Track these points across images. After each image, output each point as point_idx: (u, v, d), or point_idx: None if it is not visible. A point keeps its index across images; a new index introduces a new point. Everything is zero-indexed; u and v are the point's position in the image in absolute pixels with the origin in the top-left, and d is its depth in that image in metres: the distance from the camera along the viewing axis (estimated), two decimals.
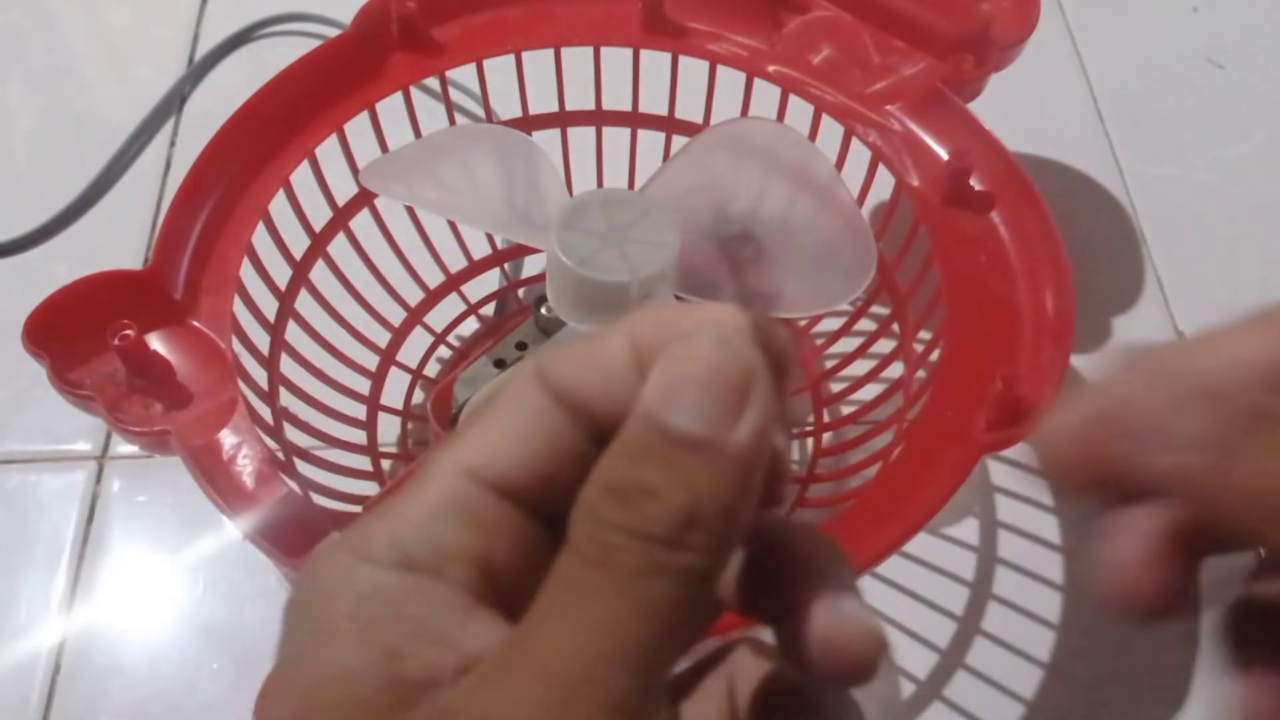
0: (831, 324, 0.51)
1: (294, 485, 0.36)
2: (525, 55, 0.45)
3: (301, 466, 0.40)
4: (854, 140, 0.43)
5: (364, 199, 0.45)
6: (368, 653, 0.15)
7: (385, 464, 0.47)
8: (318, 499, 0.39)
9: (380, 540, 0.16)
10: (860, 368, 0.47)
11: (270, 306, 0.42)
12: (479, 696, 0.15)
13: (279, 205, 0.41)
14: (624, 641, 0.14)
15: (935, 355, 0.39)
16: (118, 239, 0.56)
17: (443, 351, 0.51)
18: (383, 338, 0.48)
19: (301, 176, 0.42)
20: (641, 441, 0.15)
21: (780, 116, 0.45)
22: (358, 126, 0.43)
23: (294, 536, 0.33)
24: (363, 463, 0.45)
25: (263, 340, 0.41)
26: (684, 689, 0.19)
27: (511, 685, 0.14)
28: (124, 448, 0.50)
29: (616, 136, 0.50)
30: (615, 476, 0.15)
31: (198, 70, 0.62)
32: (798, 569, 0.17)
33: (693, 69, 0.46)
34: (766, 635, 0.19)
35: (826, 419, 0.49)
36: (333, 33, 0.60)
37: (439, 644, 0.15)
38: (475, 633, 0.15)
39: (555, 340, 0.40)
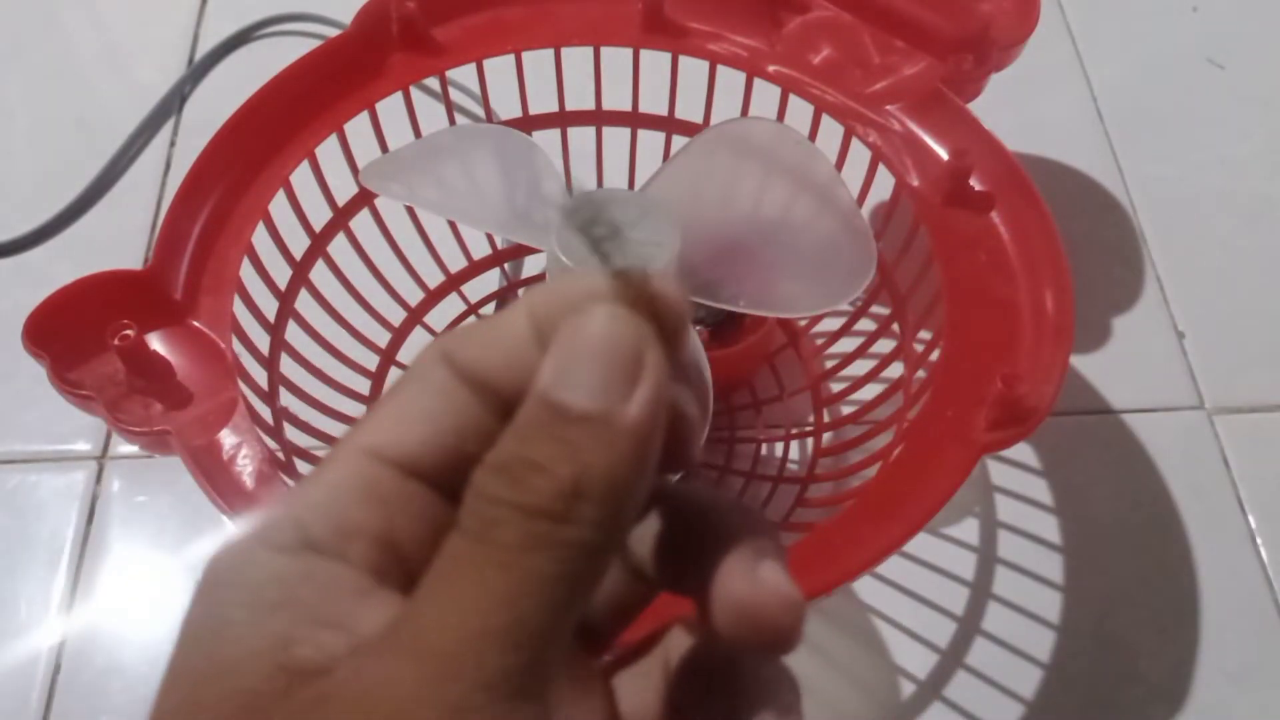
0: (831, 324, 0.51)
1: (294, 485, 0.36)
2: (525, 55, 0.45)
3: (301, 467, 0.40)
4: (854, 140, 0.43)
5: (364, 199, 0.45)
6: (258, 642, 0.15)
7: None
8: None
9: (282, 524, 0.16)
10: (860, 368, 0.47)
11: (270, 306, 0.42)
12: (359, 677, 0.14)
13: (279, 205, 0.41)
14: (504, 618, 0.14)
15: (935, 355, 0.39)
16: (118, 239, 0.56)
17: None
18: (383, 338, 0.48)
19: (301, 176, 0.42)
20: (533, 420, 0.15)
21: (780, 116, 0.45)
22: (358, 126, 0.43)
23: None
24: None
25: (263, 340, 0.41)
26: (620, 668, 0.19)
27: (389, 664, 0.14)
28: (124, 448, 0.50)
29: (616, 136, 0.50)
30: (504, 454, 0.15)
31: (198, 70, 0.62)
32: (715, 539, 0.17)
33: (693, 69, 0.46)
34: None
35: (826, 419, 0.49)
36: (333, 33, 0.61)
37: (334, 627, 0.15)
38: (372, 615, 0.15)
39: None
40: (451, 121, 0.47)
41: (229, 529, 0.33)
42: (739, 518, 0.18)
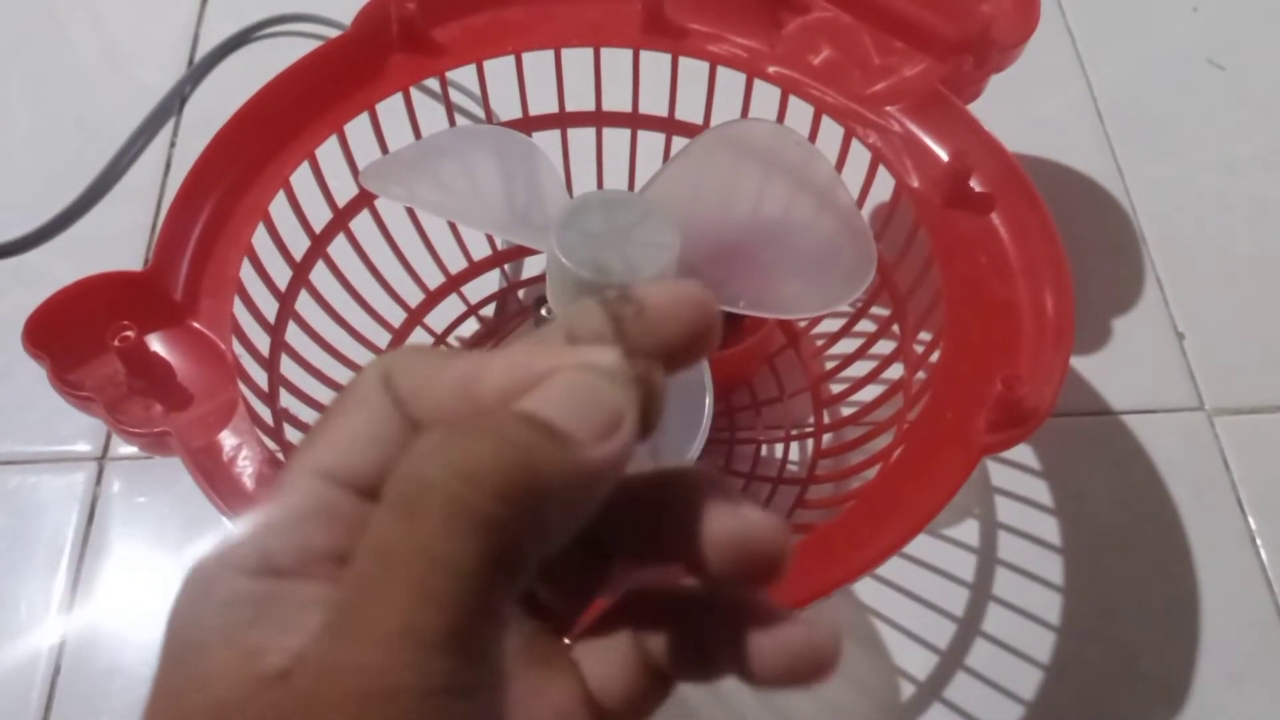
0: (831, 325, 0.51)
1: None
2: (525, 56, 0.45)
3: None
4: (854, 141, 0.43)
5: (364, 200, 0.45)
6: (231, 657, 0.15)
7: None
8: None
9: (246, 550, 0.16)
10: (860, 369, 0.47)
11: (270, 308, 0.42)
12: (300, 688, 0.15)
13: (279, 206, 0.41)
14: (440, 618, 0.14)
15: (935, 356, 0.39)
16: (118, 240, 0.56)
17: None
18: (383, 339, 0.48)
19: (301, 177, 0.42)
20: (490, 419, 0.16)
21: (780, 117, 0.45)
22: (358, 127, 0.43)
23: None
24: None
25: (263, 341, 0.41)
26: (585, 645, 0.19)
27: (328, 675, 0.14)
28: (124, 449, 0.50)
29: (616, 137, 0.50)
30: (446, 426, 0.15)
31: (198, 71, 0.62)
32: (687, 499, 0.18)
33: (693, 70, 0.46)
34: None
35: (826, 420, 0.49)
36: (333, 33, 0.61)
37: (300, 634, 0.15)
38: None
39: None
40: (451, 122, 0.47)
41: (221, 534, 0.33)
42: (700, 477, 0.18)
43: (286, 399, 0.42)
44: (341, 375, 0.46)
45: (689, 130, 0.48)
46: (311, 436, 0.17)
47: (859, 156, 0.44)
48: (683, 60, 0.46)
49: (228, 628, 0.15)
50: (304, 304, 0.44)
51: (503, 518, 0.15)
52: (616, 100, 0.48)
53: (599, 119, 0.49)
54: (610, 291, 0.18)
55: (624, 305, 0.17)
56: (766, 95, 0.45)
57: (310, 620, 0.15)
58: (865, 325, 0.49)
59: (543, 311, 0.42)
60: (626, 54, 0.46)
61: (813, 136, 0.44)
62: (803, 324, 0.51)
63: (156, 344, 0.37)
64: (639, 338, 0.17)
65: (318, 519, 0.16)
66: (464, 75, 0.46)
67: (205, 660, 0.15)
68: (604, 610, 0.19)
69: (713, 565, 0.17)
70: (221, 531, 0.46)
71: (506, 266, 0.53)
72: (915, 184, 0.42)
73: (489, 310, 0.52)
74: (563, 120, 0.48)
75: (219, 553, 0.16)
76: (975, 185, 0.41)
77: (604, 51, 0.46)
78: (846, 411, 0.49)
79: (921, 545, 0.48)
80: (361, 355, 0.47)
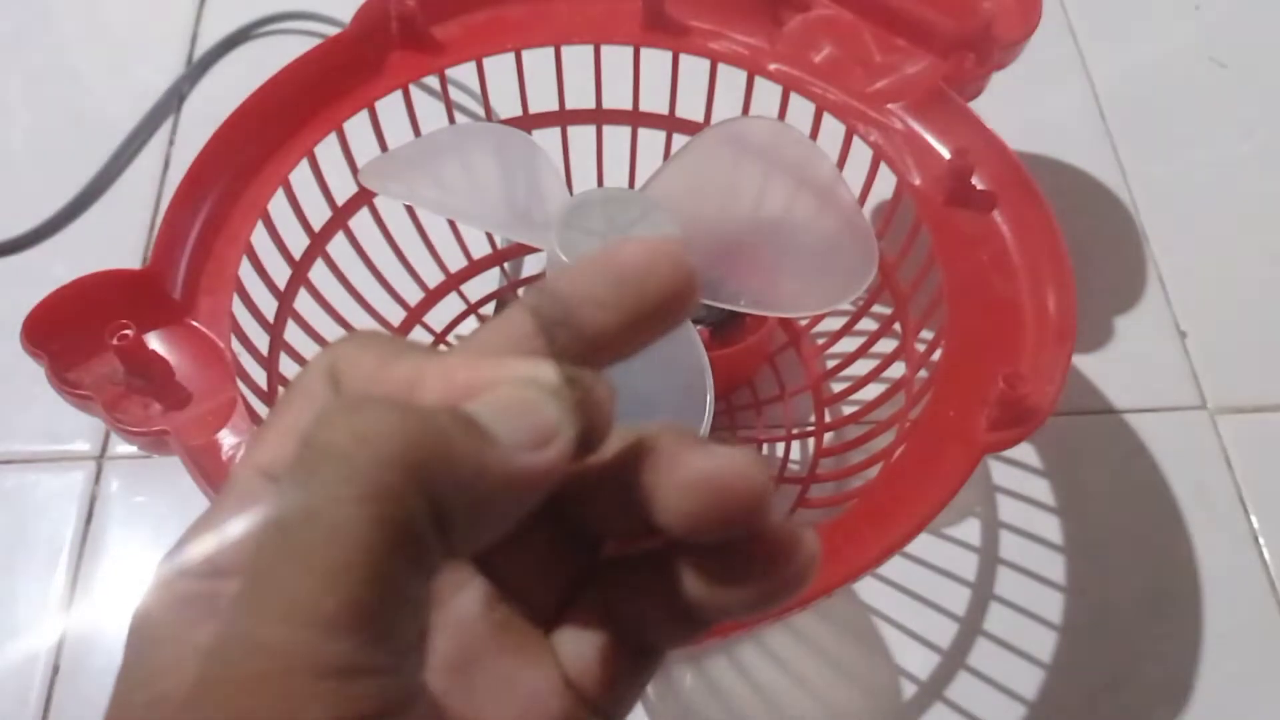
0: (833, 324, 0.51)
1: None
2: (525, 54, 0.45)
3: None
4: (855, 139, 0.43)
5: (363, 198, 0.45)
6: (174, 654, 0.15)
7: None
8: None
9: (193, 552, 0.16)
10: (862, 367, 0.47)
11: (269, 306, 0.42)
12: (204, 675, 0.14)
13: (278, 204, 0.41)
14: (335, 595, 0.14)
15: (937, 355, 0.39)
16: (116, 238, 0.56)
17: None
18: None
19: (300, 176, 0.42)
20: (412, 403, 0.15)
21: (781, 115, 0.45)
22: (357, 125, 0.43)
23: None
24: None
25: (262, 340, 0.41)
26: (561, 628, 0.19)
27: (227, 659, 0.14)
28: (123, 448, 0.49)
29: (617, 135, 0.49)
30: (342, 403, 0.15)
31: (196, 69, 0.62)
32: (658, 457, 0.17)
33: (693, 67, 0.46)
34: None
35: (828, 419, 0.49)
36: (332, 31, 0.60)
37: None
38: None
39: None
40: (451, 120, 0.47)
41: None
42: (663, 430, 0.17)
43: None
44: None
45: (690, 128, 0.48)
46: (258, 432, 0.17)
47: (860, 154, 0.43)
48: (683, 58, 0.46)
49: (176, 626, 0.16)
50: (303, 302, 0.44)
51: (395, 488, 0.14)
52: (617, 98, 0.48)
53: (599, 116, 0.48)
54: (531, 295, 0.17)
55: (551, 309, 0.17)
56: (767, 93, 0.45)
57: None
58: (867, 324, 0.49)
59: None
60: (627, 51, 0.46)
61: (814, 134, 0.44)
62: (804, 322, 0.51)
63: (155, 342, 0.37)
64: (572, 342, 0.17)
65: (252, 520, 0.16)
66: (464, 73, 0.45)
67: (154, 659, 0.16)
68: (576, 592, 0.19)
69: (689, 514, 0.16)
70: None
71: (506, 265, 0.53)
72: (917, 182, 0.42)
73: (489, 309, 0.52)
74: (563, 118, 0.48)
75: (172, 556, 0.17)
76: (977, 183, 0.41)
77: (604, 49, 0.45)
78: (848, 410, 0.49)
79: (923, 544, 0.48)
80: None
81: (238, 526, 0.16)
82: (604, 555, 0.19)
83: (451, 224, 0.50)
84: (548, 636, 0.19)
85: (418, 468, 0.14)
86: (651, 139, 0.49)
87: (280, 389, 0.41)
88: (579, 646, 0.18)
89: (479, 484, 0.15)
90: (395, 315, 0.49)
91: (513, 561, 0.19)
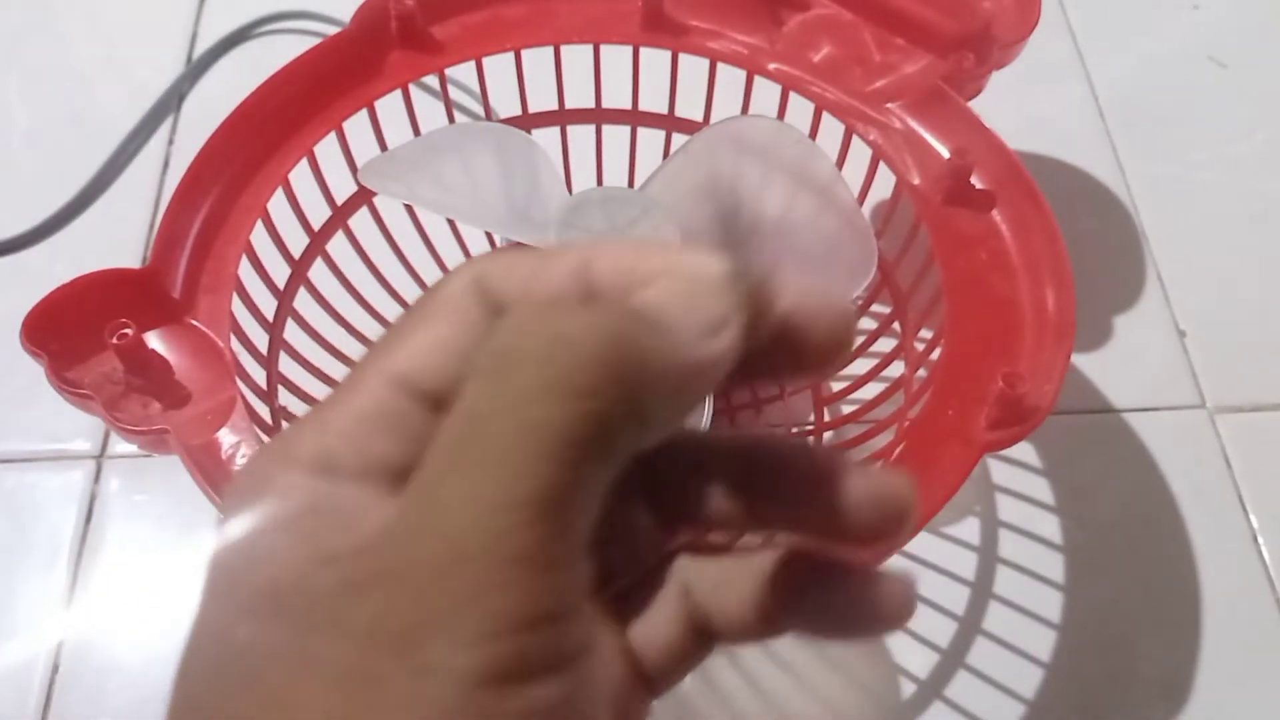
0: None
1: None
2: (525, 53, 0.45)
3: None
4: (854, 138, 0.43)
5: (363, 197, 0.45)
6: (286, 541, 0.15)
7: None
8: None
9: (306, 447, 0.16)
10: (861, 366, 0.47)
11: (269, 305, 0.42)
12: (380, 554, 0.14)
13: (277, 204, 0.41)
14: (523, 486, 0.14)
15: (936, 354, 0.39)
16: (116, 238, 0.56)
17: None
18: None
19: (300, 175, 0.42)
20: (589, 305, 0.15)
21: (781, 114, 0.45)
22: (356, 125, 0.43)
23: None
24: None
25: (261, 339, 0.41)
26: (626, 609, 0.18)
27: (408, 541, 0.14)
28: (122, 447, 0.49)
29: (616, 135, 0.49)
30: (549, 295, 0.15)
31: (196, 68, 0.62)
32: (807, 465, 0.17)
33: (693, 67, 0.46)
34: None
35: (827, 418, 0.49)
36: (331, 30, 0.60)
37: (354, 536, 0.15)
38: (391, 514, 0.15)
39: None
40: (451, 120, 0.47)
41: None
42: (810, 445, 0.18)
43: (285, 397, 0.42)
44: (340, 373, 0.45)
45: (689, 127, 0.48)
46: (387, 338, 0.16)
47: (859, 153, 0.43)
48: (683, 57, 0.46)
49: (284, 515, 0.15)
50: (302, 302, 0.44)
51: (599, 389, 0.14)
52: (616, 97, 0.48)
53: (599, 116, 0.48)
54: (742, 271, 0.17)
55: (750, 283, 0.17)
56: (767, 92, 0.45)
57: (364, 523, 0.15)
58: (866, 323, 0.49)
59: None
60: (626, 51, 0.46)
61: (813, 133, 0.44)
62: None
63: (155, 342, 0.37)
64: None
65: (383, 426, 0.16)
66: (463, 72, 0.45)
67: (261, 542, 0.15)
68: (653, 565, 0.19)
69: (848, 525, 0.17)
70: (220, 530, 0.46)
71: None
72: (916, 181, 0.42)
73: None
74: (562, 117, 0.48)
75: (278, 444, 0.16)
76: (976, 182, 0.41)
77: (604, 48, 0.45)
78: (847, 409, 0.49)
79: (922, 543, 0.48)
80: (361, 353, 0.47)
81: (367, 437, 0.16)
82: (682, 538, 0.19)
83: (451, 224, 0.50)
84: (614, 603, 0.18)
85: (616, 366, 0.14)
86: (651, 138, 0.49)
87: (279, 387, 0.41)
88: (646, 617, 0.18)
89: (667, 381, 0.15)
90: (395, 314, 0.49)
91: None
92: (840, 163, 0.43)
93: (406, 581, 0.14)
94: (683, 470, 0.18)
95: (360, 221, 0.46)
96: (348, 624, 0.14)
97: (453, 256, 0.50)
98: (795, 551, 0.18)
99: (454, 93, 0.47)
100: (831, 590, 0.17)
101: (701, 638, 0.18)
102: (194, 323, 0.38)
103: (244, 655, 0.14)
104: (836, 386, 0.50)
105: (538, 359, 0.14)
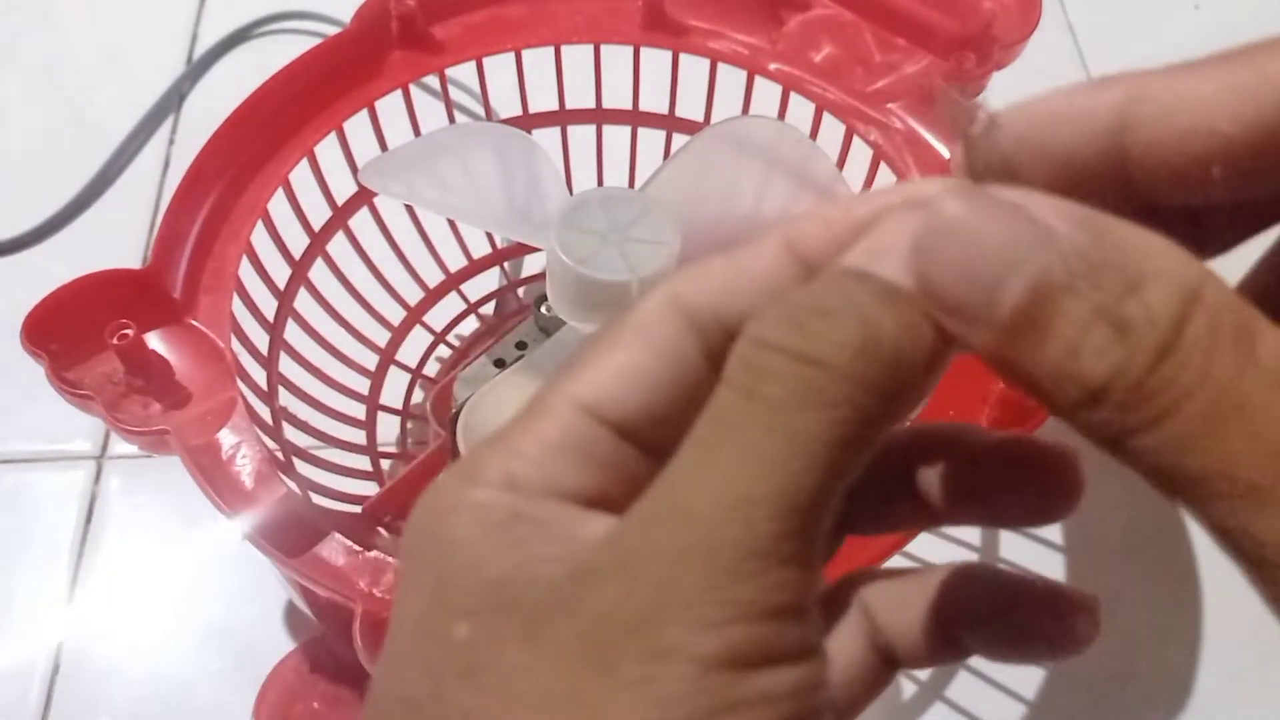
0: None
1: (293, 485, 0.36)
2: (525, 53, 0.45)
3: (300, 466, 0.40)
4: (855, 138, 0.43)
5: (363, 198, 0.45)
6: (492, 546, 0.15)
7: (384, 464, 0.47)
8: (317, 499, 0.39)
9: (493, 470, 0.15)
10: None
11: (269, 306, 0.42)
12: (618, 545, 0.14)
13: (278, 204, 0.41)
14: (774, 482, 0.13)
15: None
16: (116, 238, 0.56)
17: (442, 351, 0.51)
18: (382, 337, 0.48)
19: (300, 175, 0.42)
20: (828, 281, 0.14)
21: (781, 115, 0.45)
22: (357, 125, 0.43)
23: (293, 536, 0.33)
24: (362, 462, 0.45)
25: (262, 340, 0.41)
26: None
27: (650, 531, 0.14)
28: (123, 447, 0.49)
29: (617, 135, 0.49)
30: (792, 301, 0.14)
31: (196, 69, 0.62)
32: (971, 447, 0.17)
33: (693, 67, 0.46)
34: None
35: None
36: (332, 30, 0.60)
37: (565, 538, 0.15)
38: (596, 526, 0.15)
39: (556, 340, 0.40)
40: (451, 120, 0.47)
41: (229, 529, 0.33)
42: (965, 427, 0.18)
43: (285, 397, 0.42)
44: (341, 374, 0.45)
45: (689, 127, 0.48)
46: (575, 362, 0.16)
47: (860, 154, 0.43)
48: (683, 57, 0.46)
49: (483, 523, 0.15)
50: (303, 302, 0.44)
51: (852, 400, 0.14)
52: (617, 98, 0.48)
53: (599, 116, 0.48)
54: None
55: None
56: (767, 92, 0.45)
57: (575, 531, 0.15)
58: None
59: (543, 309, 0.42)
60: (627, 51, 0.46)
61: (814, 134, 0.44)
62: None
63: (155, 342, 0.37)
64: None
65: (571, 455, 0.15)
66: (464, 72, 0.45)
67: (466, 550, 0.15)
68: (831, 591, 0.18)
69: (1041, 506, 0.17)
70: (220, 530, 0.46)
71: (506, 264, 0.53)
72: None
73: (489, 308, 0.52)
74: (563, 118, 0.48)
75: (461, 467, 0.16)
76: None
77: (604, 49, 0.45)
78: None
79: (923, 544, 0.48)
80: (361, 354, 0.47)
81: (553, 465, 0.15)
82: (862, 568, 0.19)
83: (451, 223, 0.50)
84: None
85: (872, 373, 0.14)
86: (651, 139, 0.49)
87: (280, 387, 0.41)
88: (830, 644, 0.18)
89: (917, 366, 0.14)
90: (395, 314, 0.49)
91: None
92: (840, 163, 0.43)
93: (644, 570, 0.14)
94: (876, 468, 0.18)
95: (360, 221, 0.46)
96: (577, 614, 0.14)
97: (453, 256, 0.50)
98: (974, 568, 0.18)
99: (454, 93, 0.47)
100: (1015, 610, 0.17)
101: (884, 663, 0.18)
102: (194, 323, 0.38)
103: (465, 651, 0.14)
104: None
105: (788, 379, 0.14)
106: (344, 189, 0.44)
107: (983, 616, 0.17)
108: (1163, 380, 0.13)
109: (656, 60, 0.46)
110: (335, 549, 0.33)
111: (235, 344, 0.38)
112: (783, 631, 0.14)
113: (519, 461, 0.15)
